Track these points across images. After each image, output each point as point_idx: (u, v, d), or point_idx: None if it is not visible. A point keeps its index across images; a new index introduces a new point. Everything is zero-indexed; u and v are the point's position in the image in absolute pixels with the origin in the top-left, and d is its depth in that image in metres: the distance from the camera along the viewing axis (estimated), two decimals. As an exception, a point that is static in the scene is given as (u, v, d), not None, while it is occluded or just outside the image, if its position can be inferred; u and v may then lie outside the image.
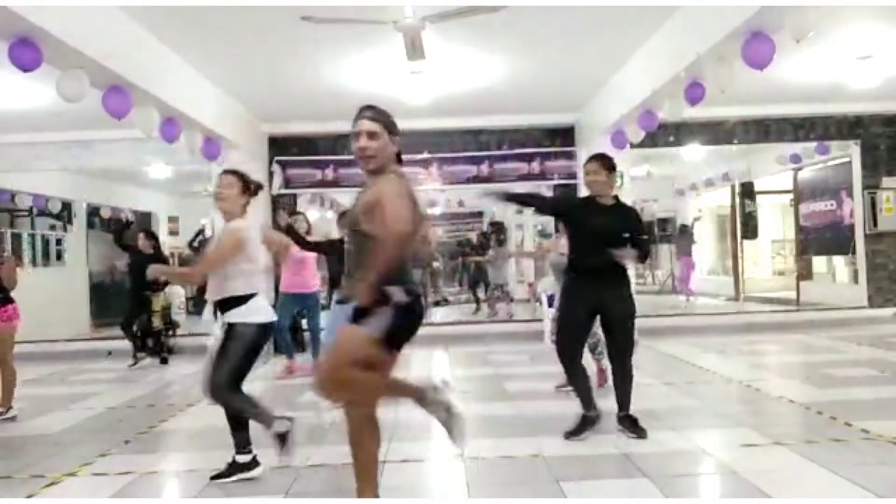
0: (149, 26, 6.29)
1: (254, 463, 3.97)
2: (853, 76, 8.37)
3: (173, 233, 16.97)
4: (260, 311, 3.92)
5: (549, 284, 10.15)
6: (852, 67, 8.17)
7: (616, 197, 4.63)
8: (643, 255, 4.57)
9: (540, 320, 10.03)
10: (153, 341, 8.95)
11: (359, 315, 2.92)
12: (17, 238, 12.61)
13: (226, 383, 3.87)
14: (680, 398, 5.74)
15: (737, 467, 3.83)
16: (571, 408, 5.27)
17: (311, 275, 7.15)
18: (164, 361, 8.78)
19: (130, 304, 8.86)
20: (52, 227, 13.49)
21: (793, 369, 7.35)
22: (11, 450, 4.84)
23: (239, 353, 3.85)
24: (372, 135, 2.94)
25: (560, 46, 7.37)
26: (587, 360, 4.87)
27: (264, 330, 3.94)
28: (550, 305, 9.84)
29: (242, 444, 3.95)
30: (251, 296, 3.89)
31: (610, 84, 8.76)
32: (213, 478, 3.93)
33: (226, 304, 3.86)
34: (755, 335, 9.56)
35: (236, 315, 3.84)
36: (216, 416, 5.65)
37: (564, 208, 4.98)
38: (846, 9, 6.28)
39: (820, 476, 3.66)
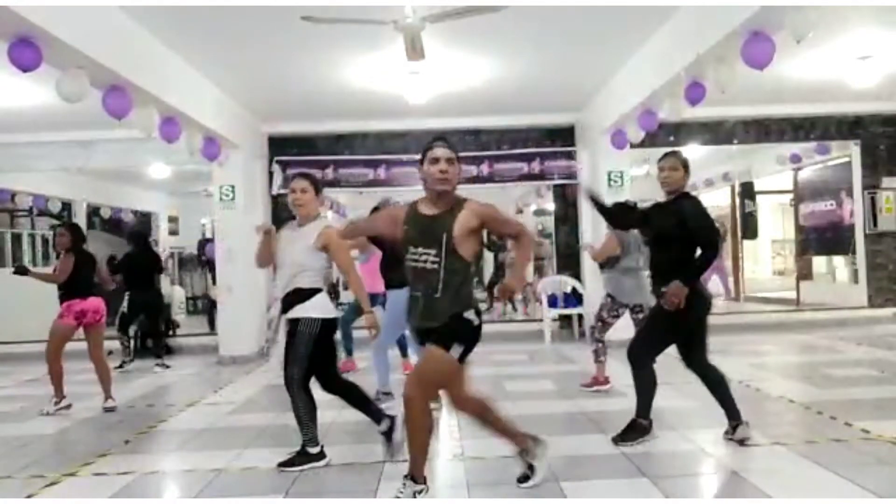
0: (149, 26, 6.29)
1: (321, 455, 4.13)
2: (853, 76, 8.36)
3: (173, 233, 16.98)
4: (321, 307, 4.03)
5: (550, 285, 10.19)
6: (852, 67, 8.17)
7: (682, 193, 4.38)
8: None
9: (540, 320, 10.05)
10: (154, 342, 8.97)
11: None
12: (17, 238, 12.62)
13: (298, 378, 4.02)
14: (680, 398, 5.73)
15: (737, 467, 3.83)
16: (571, 408, 5.28)
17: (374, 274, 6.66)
18: (163, 366, 8.56)
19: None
20: (53, 228, 13.51)
21: (793, 369, 7.35)
22: (11, 450, 4.84)
23: (302, 349, 3.99)
24: (450, 161, 3.34)
25: (560, 46, 7.37)
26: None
27: (325, 325, 4.03)
28: (552, 305, 9.90)
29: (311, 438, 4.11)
30: (316, 291, 4.03)
31: (610, 84, 8.76)
32: (280, 465, 4.07)
33: (293, 298, 4.01)
34: (755, 335, 9.56)
35: (300, 310, 3.99)
36: (216, 416, 5.69)
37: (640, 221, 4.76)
38: (846, 9, 6.28)
39: (820, 476, 3.66)
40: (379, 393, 5.70)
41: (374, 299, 6.81)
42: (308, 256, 4.03)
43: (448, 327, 3.31)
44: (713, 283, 13.27)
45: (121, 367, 8.47)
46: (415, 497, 3.32)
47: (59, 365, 6.00)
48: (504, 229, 3.54)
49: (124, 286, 8.71)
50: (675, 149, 4.71)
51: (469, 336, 3.34)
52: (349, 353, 7.56)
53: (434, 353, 3.31)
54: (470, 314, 3.34)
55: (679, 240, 4.19)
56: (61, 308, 6.03)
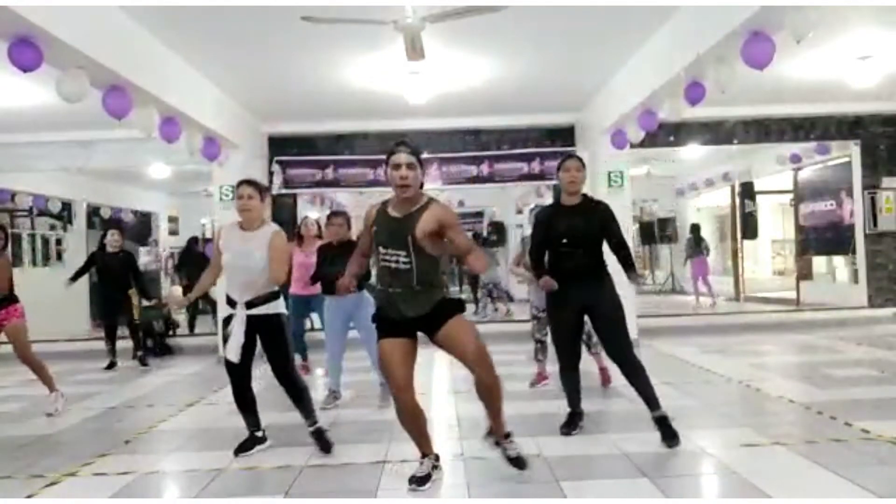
0: (149, 26, 6.29)
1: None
2: (853, 76, 8.36)
3: (173, 233, 16.99)
4: (283, 306, 4.42)
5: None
6: (852, 67, 8.17)
7: (584, 195, 4.61)
8: (629, 264, 4.51)
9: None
10: (136, 340, 8.89)
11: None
12: (17, 238, 12.61)
13: (292, 364, 4.44)
14: (680, 398, 5.73)
15: (737, 467, 3.83)
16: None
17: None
18: (143, 364, 8.58)
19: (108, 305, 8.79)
20: (52, 227, 13.50)
21: (793, 369, 7.35)
22: (11, 450, 4.84)
23: (288, 339, 4.36)
24: (410, 166, 3.47)
25: (560, 46, 7.37)
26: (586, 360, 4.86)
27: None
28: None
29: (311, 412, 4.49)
30: (279, 292, 4.36)
31: (610, 84, 8.76)
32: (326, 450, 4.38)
33: (264, 300, 4.24)
34: (755, 335, 9.56)
35: (277, 306, 4.30)
36: (215, 415, 5.69)
37: (545, 230, 4.65)
38: (846, 9, 6.28)
39: (820, 476, 3.66)
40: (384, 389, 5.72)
41: (310, 301, 6.82)
42: (261, 261, 4.22)
43: (445, 303, 3.56)
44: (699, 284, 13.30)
45: (145, 364, 8.59)
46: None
47: (38, 359, 5.98)
48: (457, 238, 3.53)
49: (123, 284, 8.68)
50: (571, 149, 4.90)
51: (462, 308, 3.63)
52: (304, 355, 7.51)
53: (462, 323, 3.54)
54: (448, 294, 3.66)
55: (599, 240, 4.47)
56: (16, 308, 5.82)
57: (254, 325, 4.22)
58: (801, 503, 3.34)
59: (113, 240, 8.63)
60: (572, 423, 4.65)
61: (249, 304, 4.22)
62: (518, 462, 3.73)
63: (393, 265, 3.47)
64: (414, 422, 3.64)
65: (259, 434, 4.48)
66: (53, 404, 5.91)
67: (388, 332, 3.56)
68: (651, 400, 4.36)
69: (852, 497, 3.35)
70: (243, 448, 4.40)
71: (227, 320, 4.31)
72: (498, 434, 3.76)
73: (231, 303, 4.31)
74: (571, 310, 4.48)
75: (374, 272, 5.27)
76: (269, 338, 4.28)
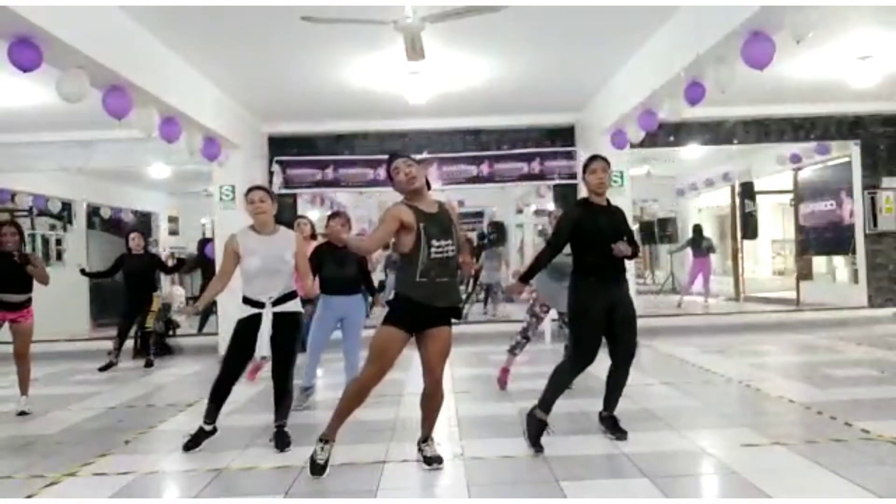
0: (149, 26, 6.30)
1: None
2: (853, 76, 8.37)
3: (173, 233, 16.98)
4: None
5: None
6: (852, 67, 8.17)
7: (607, 198, 4.62)
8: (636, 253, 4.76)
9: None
10: (143, 342, 9.06)
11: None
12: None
13: (293, 365, 4.60)
14: (680, 398, 5.73)
15: (737, 467, 3.83)
16: (571, 408, 5.28)
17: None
18: (148, 364, 8.69)
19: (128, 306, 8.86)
20: (52, 227, 13.49)
21: (793, 369, 7.35)
22: (11, 450, 4.84)
23: (298, 338, 4.58)
24: (408, 164, 3.85)
25: (560, 46, 7.37)
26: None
27: None
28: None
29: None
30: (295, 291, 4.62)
31: (610, 84, 8.76)
32: (282, 448, 4.48)
33: (287, 297, 4.52)
34: (755, 335, 9.56)
35: (297, 305, 4.58)
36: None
37: (574, 228, 4.52)
38: (846, 9, 6.29)
39: (820, 476, 3.66)
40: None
41: (304, 302, 6.78)
42: (290, 262, 4.52)
43: (460, 309, 4.01)
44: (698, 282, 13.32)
45: (150, 365, 8.70)
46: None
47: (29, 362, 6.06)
48: (459, 232, 4.02)
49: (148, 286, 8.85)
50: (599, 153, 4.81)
51: (459, 317, 4.03)
52: None
53: (450, 339, 3.90)
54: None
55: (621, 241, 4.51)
56: (28, 309, 5.91)
57: (275, 321, 4.42)
58: (801, 503, 3.34)
59: (135, 243, 8.78)
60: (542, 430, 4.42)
61: (276, 302, 4.45)
62: (433, 460, 4.02)
63: (445, 254, 3.79)
64: (358, 406, 3.92)
65: (209, 428, 4.56)
66: (27, 405, 5.97)
67: (401, 322, 3.79)
68: (615, 403, 4.55)
69: (852, 497, 3.35)
70: (194, 443, 4.51)
71: (246, 321, 4.43)
72: (425, 436, 4.09)
73: (254, 303, 4.44)
74: (603, 309, 4.41)
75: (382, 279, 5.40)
76: (284, 333, 4.44)
